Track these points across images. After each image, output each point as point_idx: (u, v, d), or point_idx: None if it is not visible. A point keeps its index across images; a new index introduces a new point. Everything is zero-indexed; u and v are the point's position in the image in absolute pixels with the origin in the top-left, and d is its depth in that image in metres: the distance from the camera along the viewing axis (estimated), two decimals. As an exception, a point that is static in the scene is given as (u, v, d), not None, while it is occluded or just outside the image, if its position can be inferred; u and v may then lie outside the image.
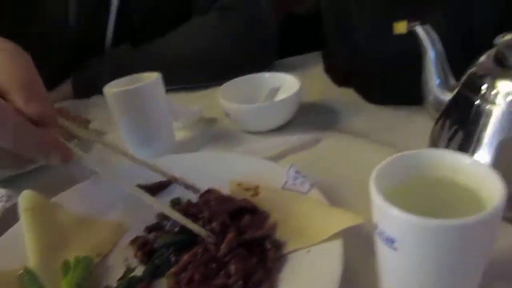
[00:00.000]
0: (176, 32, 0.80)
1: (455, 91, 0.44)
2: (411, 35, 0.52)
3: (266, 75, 0.69)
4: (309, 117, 0.66)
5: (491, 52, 0.41)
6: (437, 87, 0.46)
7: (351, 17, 0.62)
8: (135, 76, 0.59)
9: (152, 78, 0.56)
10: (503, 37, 0.42)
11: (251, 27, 0.78)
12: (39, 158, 0.38)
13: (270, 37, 0.82)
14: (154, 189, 0.50)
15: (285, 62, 0.89)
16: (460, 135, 0.42)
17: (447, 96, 0.45)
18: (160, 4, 0.83)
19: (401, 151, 0.54)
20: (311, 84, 0.74)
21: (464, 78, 0.43)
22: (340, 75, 0.72)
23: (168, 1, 0.84)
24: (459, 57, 0.48)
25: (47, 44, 0.79)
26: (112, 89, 0.55)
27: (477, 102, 0.40)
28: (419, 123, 0.52)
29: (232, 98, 0.63)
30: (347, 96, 0.71)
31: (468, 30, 0.58)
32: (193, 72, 0.79)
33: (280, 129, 0.63)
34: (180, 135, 0.65)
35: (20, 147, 0.36)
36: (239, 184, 0.47)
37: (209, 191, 0.46)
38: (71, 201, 0.47)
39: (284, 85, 0.66)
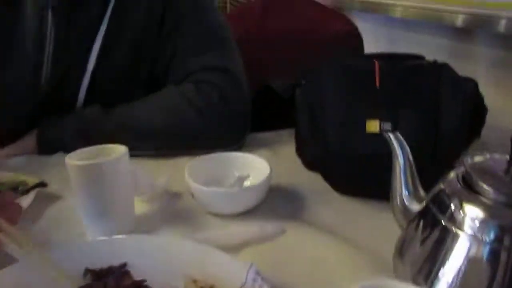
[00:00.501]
0: (149, 98, 0.80)
1: (423, 203, 0.44)
2: (381, 136, 0.53)
3: (237, 154, 0.68)
4: (276, 202, 0.64)
5: (459, 171, 0.42)
6: (405, 196, 0.46)
7: (323, 111, 0.63)
8: (101, 147, 0.57)
9: (118, 154, 0.54)
10: (472, 157, 0.42)
11: (227, 102, 0.78)
12: None
13: (245, 113, 0.82)
14: (104, 274, 0.47)
15: (257, 137, 0.89)
16: (425, 251, 0.41)
17: (414, 207, 0.45)
18: (135, 70, 0.83)
19: (365, 252, 0.53)
20: (281, 164, 0.74)
21: (432, 193, 0.43)
22: (309, 160, 0.72)
23: (143, 68, 0.83)
24: (428, 164, 0.49)
25: (15, 98, 0.77)
26: (74, 161, 0.53)
27: (444, 221, 0.39)
28: (385, 220, 0.52)
29: (198, 176, 0.61)
30: (315, 182, 0.70)
31: (436, 132, 0.60)
32: (163, 141, 0.78)
33: (245, 214, 0.61)
34: (141, 209, 0.63)
35: None
36: (194, 281, 0.44)
37: (126, 273, 0.44)
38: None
39: (254, 167, 0.65)
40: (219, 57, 0.81)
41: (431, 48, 1.48)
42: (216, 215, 0.61)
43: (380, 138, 0.54)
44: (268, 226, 0.57)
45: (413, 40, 1.61)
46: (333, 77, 0.66)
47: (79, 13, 0.75)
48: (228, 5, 1.91)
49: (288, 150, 0.81)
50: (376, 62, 0.65)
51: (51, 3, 0.73)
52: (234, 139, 0.81)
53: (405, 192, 0.46)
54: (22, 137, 0.80)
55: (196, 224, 0.60)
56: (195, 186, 0.59)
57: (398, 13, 1.53)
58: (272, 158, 0.79)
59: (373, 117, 0.59)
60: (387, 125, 0.57)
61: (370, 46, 1.29)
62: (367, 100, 0.61)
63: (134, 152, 0.61)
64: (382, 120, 0.58)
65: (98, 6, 0.76)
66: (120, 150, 0.56)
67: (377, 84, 0.61)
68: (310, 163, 0.72)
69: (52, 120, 0.78)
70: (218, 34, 0.83)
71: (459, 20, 1.26)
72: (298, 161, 0.78)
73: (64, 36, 0.75)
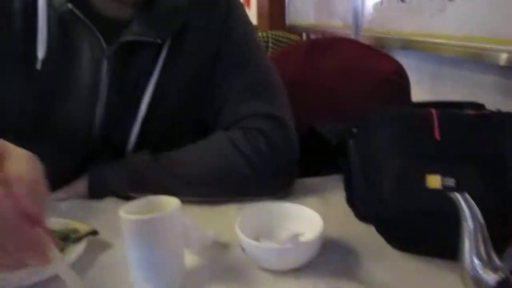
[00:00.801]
0: (198, 145, 0.80)
1: (500, 274, 0.41)
2: (443, 192, 0.50)
3: (287, 205, 0.66)
4: (328, 257, 0.62)
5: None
6: (478, 265, 0.43)
7: (378, 163, 0.61)
8: (153, 199, 0.57)
9: (171, 208, 0.54)
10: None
11: (275, 149, 0.77)
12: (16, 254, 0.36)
13: (293, 160, 0.80)
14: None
15: (304, 183, 0.87)
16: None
17: (489, 277, 0.42)
18: (184, 116, 0.84)
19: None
20: (331, 213, 0.71)
21: (510, 263, 0.40)
22: (362, 212, 0.69)
23: (192, 115, 0.85)
24: (497, 226, 0.46)
25: (68, 143, 0.79)
26: (128, 215, 0.52)
27: (528, 299, 0.36)
28: (449, 282, 0.48)
29: (248, 228, 0.60)
30: (369, 235, 0.67)
31: (505, 189, 0.56)
32: (211, 188, 0.77)
33: (297, 269, 0.59)
34: (191, 262, 0.61)
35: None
36: None
37: None
38: None
39: (305, 218, 0.63)
40: (267, 104, 0.80)
41: (477, 85, 1.44)
42: (267, 270, 0.59)
43: (441, 194, 0.51)
44: (322, 285, 0.54)
45: (457, 76, 1.57)
46: (387, 127, 0.64)
47: (132, 63, 0.77)
48: (270, 44, 1.94)
49: (337, 199, 0.79)
50: (434, 112, 0.62)
51: (106, 53, 0.75)
52: (281, 186, 0.80)
53: (476, 261, 0.42)
54: (73, 181, 0.81)
55: (247, 280, 0.58)
56: (246, 241, 0.57)
57: (440, 51, 1.50)
58: (321, 207, 0.77)
59: (433, 171, 0.56)
60: (450, 181, 0.54)
61: (413, 82, 1.26)
62: (426, 153, 0.58)
63: (182, 199, 0.61)
64: (443, 175, 0.55)
65: (150, 56, 0.78)
66: (172, 203, 0.55)
67: (437, 135, 0.58)
68: (364, 215, 0.69)
69: (103, 166, 0.79)
70: (267, 81, 0.83)
71: (503, 59, 1.23)
72: (348, 211, 0.75)
73: (118, 84, 0.77)
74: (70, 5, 0.71)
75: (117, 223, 0.57)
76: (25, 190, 0.37)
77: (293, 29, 2.85)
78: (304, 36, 2.78)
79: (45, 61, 0.74)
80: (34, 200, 0.38)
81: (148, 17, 0.76)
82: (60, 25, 0.74)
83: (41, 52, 0.73)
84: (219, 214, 0.76)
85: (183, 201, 0.58)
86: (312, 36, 2.71)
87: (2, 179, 0.37)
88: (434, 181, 0.55)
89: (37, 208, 0.38)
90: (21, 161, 0.38)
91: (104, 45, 0.74)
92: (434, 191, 0.55)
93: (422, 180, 0.56)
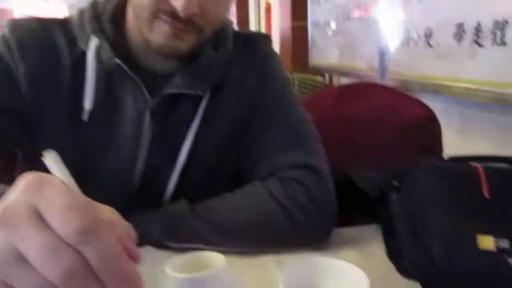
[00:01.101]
0: (235, 195, 0.80)
1: None
2: (497, 253, 0.48)
3: (330, 261, 0.64)
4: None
5: None
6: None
7: (425, 222, 0.60)
8: (198, 254, 0.57)
9: (218, 265, 0.53)
10: None
11: (313, 201, 0.77)
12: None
13: (331, 211, 0.79)
14: None
15: (340, 233, 0.86)
16: None
17: None
18: (222, 167, 0.85)
19: None
20: (372, 268, 0.68)
21: None
22: (407, 269, 0.68)
23: (229, 165, 0.86)
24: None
25: (109, 194, 0.79)
26: (175, 273, 0.52)
27: None
28: None
29: (291, 285, 0.59)
30: (414, 293, 0.65)
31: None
32: (249, 239, 0.76)
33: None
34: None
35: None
36: None
37: None
38: None
39: (349, 275, 0.61)
40: (305, 154, 0.80)
41: (509, 129, 1.42)
42: (312, 330, 0.57)
43: (495, 255, 0.49)
44: None
45: (487, 120, 1.55)
46: (432, 183, 0.63)
47: (173, 115, 0.79)
48: (296, 87, 1.96)
49: (377, 251, 0.77)
50: (480, 167, 0.61)
51: (149, 106, 0.77)
52: (319, 237, 0.79)
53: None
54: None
55: None
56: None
57: (469, 96, 1.49)
58: (361, 260, 0.75)
59: (485, 231, 0.54)
60: (504, 242, 0.53)
61: (442, 125, 1.25)
62: (475, 211, 0.57)
63: (218, 249, 0.60)
64: (496, 235, 0.54)
65: (190, 107, 0.80)
66: (217, 259, 0.55)
67: (486, 193, 0.57)
68: (407, 271, 0.67)
69: (140, 215, 0.79)
70: (304, 132, 0.84)
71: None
72: (390, 265, 0.73)
73: (159, 136, 0.78)
74: (117, 60, 0.73)
75: (155, 274, 0.56)
76: (123, 231, 0.39)
77: (316, 70, 2.89)
78: (327, 78, 2.81)
79: (91, 112, 0.76)
80: (129, 241, 0.39)
81: (190, 70, 0.78)
82: (106, 78, 0.76)
83: (88, 104, 0.75)
84: (256, 267, 0.74)
85: (219, 251, 0.58)
86: (335, 78, 2.74)
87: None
88: (486, 242, 0.54)
89: (134, 248, 0.39)
90: (107, 211, 0.40)
91: (148, 97, 0.76)
92: (487, 252, 0.54)
93: (473, 241, 0.54)
